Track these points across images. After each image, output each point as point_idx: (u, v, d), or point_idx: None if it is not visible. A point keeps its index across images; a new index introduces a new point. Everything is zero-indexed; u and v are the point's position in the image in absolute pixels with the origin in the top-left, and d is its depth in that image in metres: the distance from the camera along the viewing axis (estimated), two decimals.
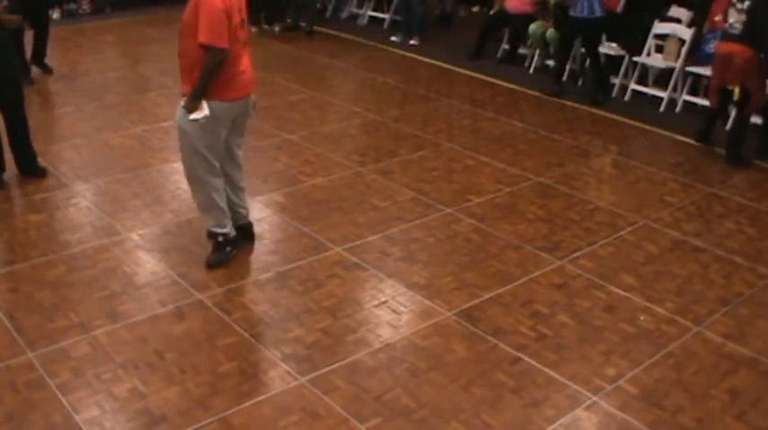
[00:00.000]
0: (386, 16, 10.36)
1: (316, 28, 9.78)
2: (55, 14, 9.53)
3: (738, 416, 3.37)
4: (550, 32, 8.14)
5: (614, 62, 7.95)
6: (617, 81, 7.76)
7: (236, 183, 4.47)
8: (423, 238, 4.76)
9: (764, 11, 5.97)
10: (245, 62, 4.16)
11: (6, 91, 5.08)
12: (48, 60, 7.54)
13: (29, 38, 6.90)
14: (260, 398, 3.35)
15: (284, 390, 3.40)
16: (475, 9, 11.17)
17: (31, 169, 5.32)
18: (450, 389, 3.46)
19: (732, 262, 4.64)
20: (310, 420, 3.23)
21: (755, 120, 6.81)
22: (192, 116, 4.00)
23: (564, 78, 7.83)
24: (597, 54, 7.60)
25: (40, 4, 7.27)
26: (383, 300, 4.12)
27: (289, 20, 9.92)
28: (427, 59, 8.84)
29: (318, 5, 10.73)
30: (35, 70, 7.38)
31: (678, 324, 4.00)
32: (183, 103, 4.06)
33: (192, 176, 4.24)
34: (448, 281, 4.31)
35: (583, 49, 7.89)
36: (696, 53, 7.31)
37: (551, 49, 8.37)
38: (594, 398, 3.43)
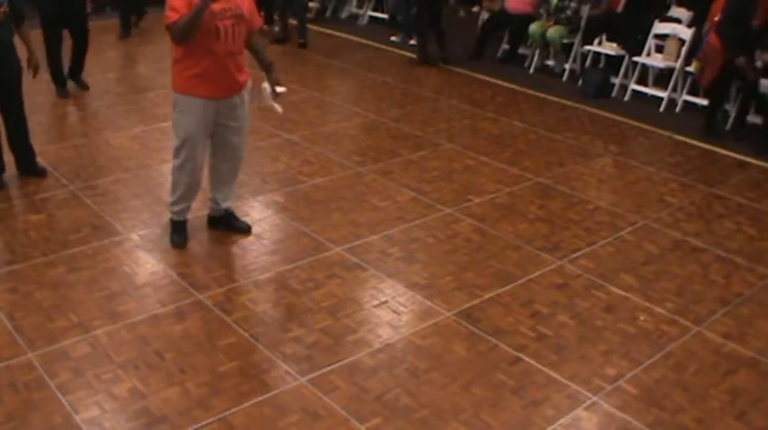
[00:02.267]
0: (386, 16, 10.36)
1: (316, 28, 9.77)
2: None
3: (738, 416, 3.37)
4: (550, 32, 8.16)
5: (614, 62, 7.97)
6: (617, 81, 7.77)
7: None
8: (423, 238, 4.76)
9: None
10: None
11: (6, 90, 5.05)
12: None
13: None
14: (260, 398, 3.35)
15: (284, 390, 3.40)
16: (475, 9, 11.17)
17: (30, 168, 5.31)
18: (450, 389, 3.46)
19: (732, 262, 4.64)
20: (310, 420, 3.23)
21: (755, 119, 6.83)
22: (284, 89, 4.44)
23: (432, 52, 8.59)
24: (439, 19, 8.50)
25: (79, 11, 6.91)
26: (383, 300, 4.12)
27: (277, 23, 9.59)
28: None
29: (318, 5, 10.71)
30: (70, 85, 7.09)
31: (678, 324, 4.00)
32: (268, 86, 4.40)
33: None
34: (448, 281, 4.31)
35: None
36: (696, 53, 7.32)
37: (551, 50, 8.39)
38: (594, 398, 3.43)
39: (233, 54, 4.19)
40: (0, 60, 4.93)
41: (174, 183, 4.47)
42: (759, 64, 6.35)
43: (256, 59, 4.43)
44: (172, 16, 4.02)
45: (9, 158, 5.26)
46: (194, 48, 4.10)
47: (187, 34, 4.02)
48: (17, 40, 5.10)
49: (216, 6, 4.01)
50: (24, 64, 5.19)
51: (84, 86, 7.16)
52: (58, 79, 6.95)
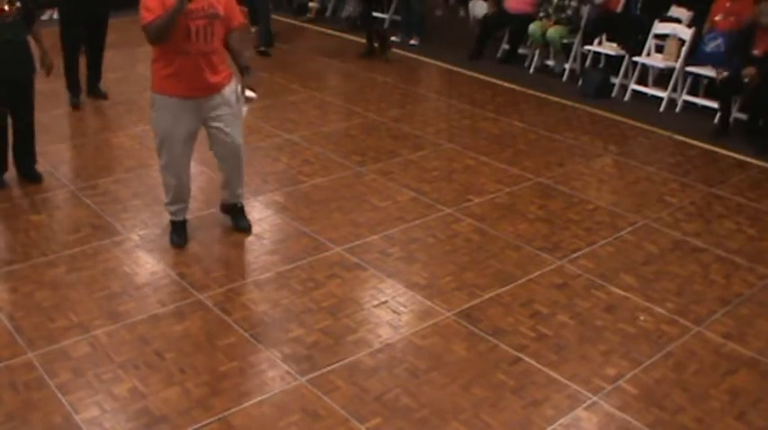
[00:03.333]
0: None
1: (316, 28, 9.75)
2: (55, 15, 9.37)
3: (738, 416, 3.37)
4: (550, 32, 8.15)
5: (614, 62, 7.97)
6: (617, 81, 7.77)
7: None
8: (423, 238, 4.76)
9: None
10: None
11: (19, 90, 4.99)
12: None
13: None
14: (260, 398, 3.35)
15: (284, 390, 3.40)
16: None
17: (28, 174, 5.23)
18: (450, 389, 3.46)
19: (732, 262, 4.64)
20: (310, 420, 3.23)
21: (741, 115, 6.85)
22: (255, 95, 4.33)
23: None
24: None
25: (99, 17, 6.64)
26: (383, 300, 4.12)
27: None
28: (427, 59, 8.84)
29: (318, 5, 10.69)
30: (91, 104, 6.89)
31: (678, 324, 4.00)
32: (239, 88, 4.32)
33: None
34: (448, 281, 4.31)
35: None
36: (696, 53, 7.33)
37: (551, 49, 8.39)
38: (594, 398, 3.43)
39: (206, 54, 4.17)
40: (14, 59, 4.87)
41: (164, 184, 4.50)
42: (746, 80, 6.44)
43: (232, 60, 4.39)
44: (147, 17, 4.06)
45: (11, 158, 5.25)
46: (167, 47, 4.14)
47: (162, 35, 4.06)
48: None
49: (188, 6, 4.01)
50: (38, 64, 5.15)
51: (103, 96, 6.97)
52: (73, 88, 6.76)
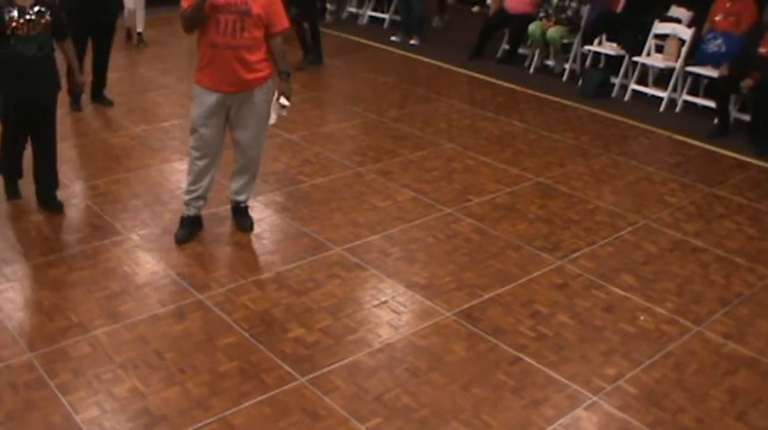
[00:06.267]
0: (386, 16, 10.36)
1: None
2: None
3: (738, 416, 3.37)
4: (550, 32, 8.16)
5: (614, 62, 7.97)
6: (617, 81, 7.77)
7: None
8: (423, 238, 4.76)
9: None
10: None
11: (43, 110, 4.69)
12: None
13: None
14: (260, 398, 3.35)
15: (284, 390, 3.40)
16: (475, 9, 11.18)
17: (48, 202, 4.88)
18: (450, 389, 3.46)
19: (732, 262, 4.64)
20: (310, 420, 3.23)
21: (744, 116, 6.85)
22: (288, 103, 4.41)
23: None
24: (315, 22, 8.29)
25: (109, 18, 6.50)
26: (383, 299, 4.12)
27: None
28: (427, 59, 8.84)
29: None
30: (92, 105, 6.77)
31: (678, 324, 4.00)
32: (276, 94, 4.40)
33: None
34: (448, 281, 4.31)
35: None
36: (696, 53, 7.33)
37: (552, 50, 8.39)
38: (594, 398, 3.43)
39: (235, 49, 4.20)
40: (39, 77, 4.53)
41: (188, 170, 4.57)
42: (744, 91, 6.48)
43: (273, 64, 4.42)
44: (183, 5, 4.18)
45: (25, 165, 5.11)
46: (201, 39, 4.27)
47: (189, 25, 4.21)
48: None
49: (220, 0, 4.09)
50: (63, 81, 4.84)
51: (108, 103, 6.81)
52: (75, 93, 6.56)
